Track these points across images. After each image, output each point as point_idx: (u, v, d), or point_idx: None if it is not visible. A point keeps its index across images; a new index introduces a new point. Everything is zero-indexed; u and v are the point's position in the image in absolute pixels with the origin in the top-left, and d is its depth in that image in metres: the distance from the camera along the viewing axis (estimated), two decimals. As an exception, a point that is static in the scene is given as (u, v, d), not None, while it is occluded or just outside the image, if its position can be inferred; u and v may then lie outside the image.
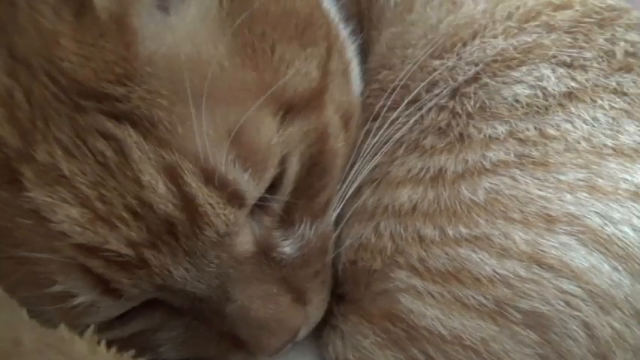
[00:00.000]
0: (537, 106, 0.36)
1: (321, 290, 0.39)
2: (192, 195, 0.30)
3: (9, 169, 0.30)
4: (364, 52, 0.43)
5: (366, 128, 0.40)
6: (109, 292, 0.32)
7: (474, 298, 0.35)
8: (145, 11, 0.31)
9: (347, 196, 0.40)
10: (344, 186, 0.40)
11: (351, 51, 0.42)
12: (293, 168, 0.35)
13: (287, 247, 0.36)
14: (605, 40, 0.37)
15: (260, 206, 0.35)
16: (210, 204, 0.31)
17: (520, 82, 0.37)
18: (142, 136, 0.30)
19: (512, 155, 0.36)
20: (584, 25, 0.38)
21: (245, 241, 0.34)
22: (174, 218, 0.30)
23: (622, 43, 0.37)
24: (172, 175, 0.30)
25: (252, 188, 0.32)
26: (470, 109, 0.38)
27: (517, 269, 0.34)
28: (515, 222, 0.35)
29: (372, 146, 0.40)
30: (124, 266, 0.31)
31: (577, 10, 0.39)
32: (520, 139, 0.36)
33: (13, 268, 0.31)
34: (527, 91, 0.37)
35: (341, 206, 0.40)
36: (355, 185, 0.40)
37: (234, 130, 0.31)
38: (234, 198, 0.32)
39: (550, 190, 0.35)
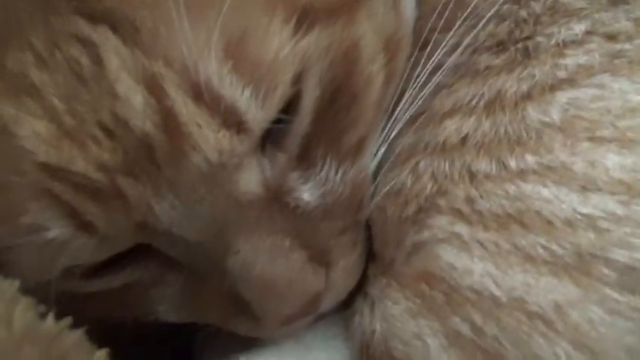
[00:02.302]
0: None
1: (350, 252, 0.31)
2: (175, 111, 0.25)
3: None
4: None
5: (414, 57, 0.33)
6: (84, 226, 0.27)
7: (543, 247, 0.25)
8: None
9: (390, 138, 0.32)
10: (387, 125, 0.32)
11: None
12: (311, 91, 0.28)
13: (306, 193, 0.29)
14: None
15: (273, 141, 0.28)
16: (197, 123, 0.25)
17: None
18: (121, 41, 0.25)
19: (598, 56, 0.27)
20: None
21: (251, 180, 0.28)
22: (153, 139, 0.25)
23: None
24: (153, 87, 0.25)
25: (254, 110, 0.26)
26: (539, 10, 0.29)
27: (610, 205, 0.24)
28: (605, 142, 0.25)
29: (421, 76, 0.32)
30: (95, 194, 0.26)
31: None
32: (607, 35, 0.27)
33: None
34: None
35: (383, 150, 0.32)
36: (401, 124, 0.32)
37: (233, 36, 0.26)
38: (232, 121, 0.26)
39: (658, 96, 0.25)
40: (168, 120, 0.25)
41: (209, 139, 0.25)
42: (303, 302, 0.28)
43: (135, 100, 0.25)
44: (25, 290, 0.27)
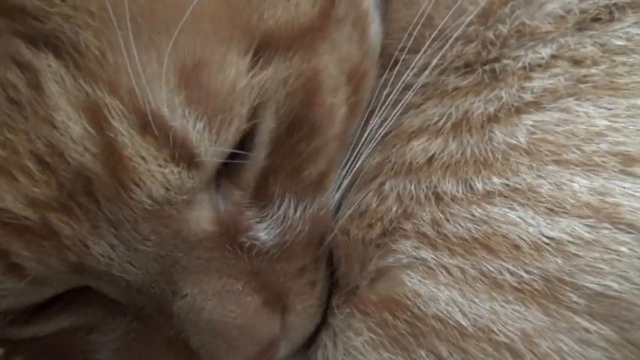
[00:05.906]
0: (596, 13, 0.27)
1: (308, 294, 0.29)
2: (118, 143, 0.23)
3: None
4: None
5: (382, 79, 0.32)
6: (11, 269, 0.24)
7: (510, 273, 0.24)
8: None
9: (356, 167, 0.31)
10: (353, 155, 0.31)
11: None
12: (267, 123, 0.27)
13: (262, 232, 0.28)
14: None
15: (228, 176, 0.27)
16: (142, 156, 0.23)
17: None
18: (63, 67, 0.24)
19: (564, 80, 0.26)
20: None
21: (202, 217, 0.26)
22: (91, 172, 0.23)
23: None
24: (95, 116, 0.23)
25: (207, 144, 0.24)
26: (505, 32, 0.29)
27: (577, 229, 0.23)
28: (572, 165, 0.25)
29: (389, 98, 0.31)
30: (24, 233, 0.24)
31: None
32: (573, 60, 0.26)
33: None
34: (582, -4, 0.27)
35: (347, 179, 0.31)
36: (367, 152, 0.31)
37: (186, 65, 0.24)
38: (182, 155, 0.24)
39: (621, 121, 0.24)
40: (110, 152, 0.23)
41: (154, 173, 0.24)
42: (257, 350, 0.27)
43: (73, 129, 0.23)
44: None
